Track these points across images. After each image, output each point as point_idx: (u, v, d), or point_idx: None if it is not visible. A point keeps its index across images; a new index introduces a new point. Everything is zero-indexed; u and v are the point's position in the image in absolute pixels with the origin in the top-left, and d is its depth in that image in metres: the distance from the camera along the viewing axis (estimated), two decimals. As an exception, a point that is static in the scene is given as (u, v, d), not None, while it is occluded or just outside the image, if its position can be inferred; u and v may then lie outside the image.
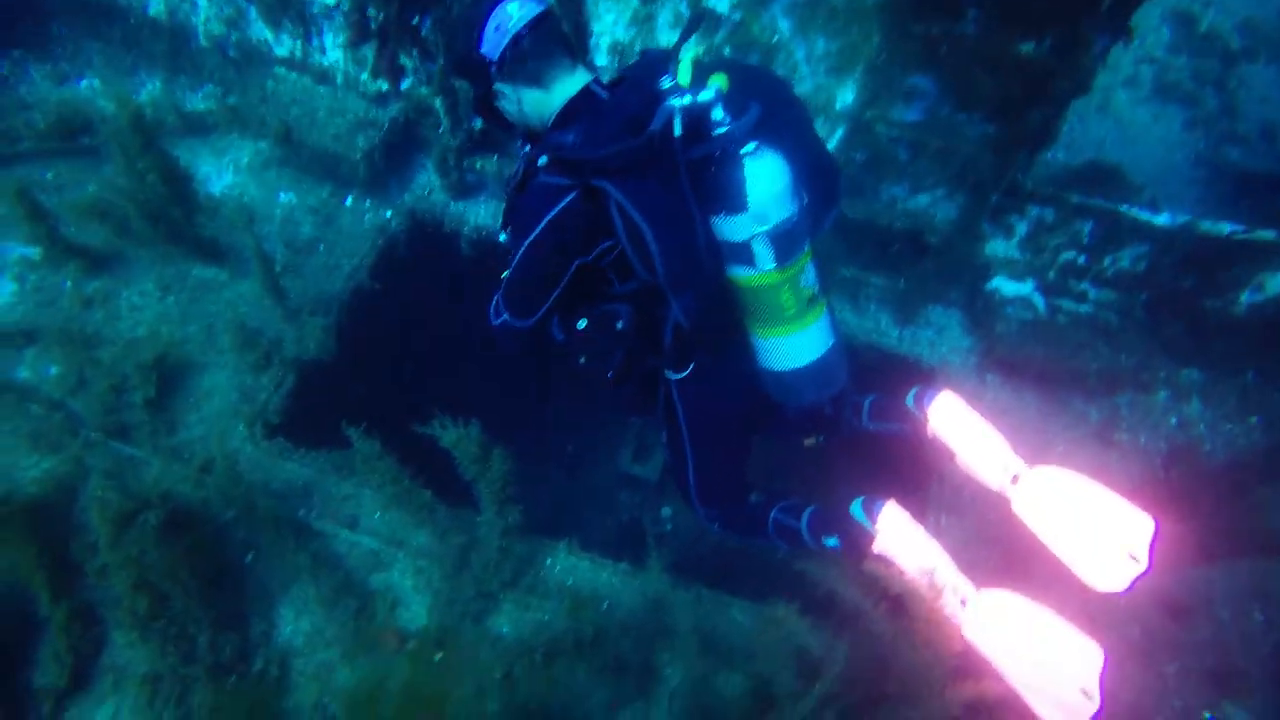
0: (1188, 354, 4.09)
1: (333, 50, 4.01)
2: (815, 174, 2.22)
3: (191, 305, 3.78)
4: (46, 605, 2.76)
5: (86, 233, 3.84)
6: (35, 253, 3.74)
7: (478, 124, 3.89)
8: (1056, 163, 4.72)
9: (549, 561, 3.23)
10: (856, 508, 2.54)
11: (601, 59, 3.49)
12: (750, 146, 2.05)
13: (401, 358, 4.60)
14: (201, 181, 4.10)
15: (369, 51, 3.80)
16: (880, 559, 2.42)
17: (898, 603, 2.33)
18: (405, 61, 3.78)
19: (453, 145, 3.86)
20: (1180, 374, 4.09)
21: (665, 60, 2.16)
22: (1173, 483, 3.77)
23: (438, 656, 2.77)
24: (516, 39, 2.15)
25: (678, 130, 2.01)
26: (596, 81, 2.24)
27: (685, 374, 2.44)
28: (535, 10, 2.19)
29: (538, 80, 2.21)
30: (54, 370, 3.42)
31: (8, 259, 3.77)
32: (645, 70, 2.19)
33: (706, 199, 2.10)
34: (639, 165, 2.02)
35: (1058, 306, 3.97)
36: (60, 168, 4.14)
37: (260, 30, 4.10)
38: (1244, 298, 3.82)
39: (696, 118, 2.05)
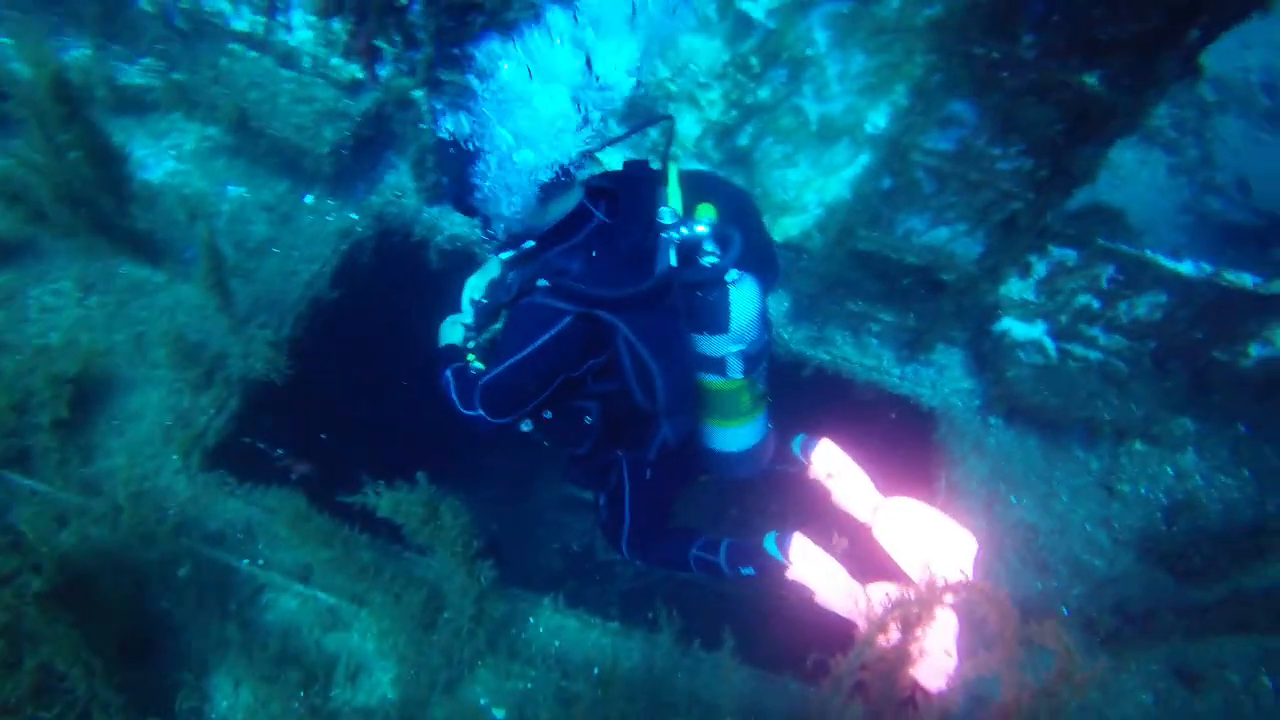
0: (1183, 404, 3.98)
1: (300, 30, 3.56)
2: (762, 265, 2.46)
3: (119, 310, 3.26)
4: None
5: (-8, 217, 3.28)
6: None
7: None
8: (1055, 202, 4.58)
9: (531, 620, 2.84)
10: (770, 542, 2.82)
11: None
12: (733, 275, 2.30)
13: (359, 377, 4.14)
14: (136, 166, 3.58)
15: (341, 29, 3.35)
16: (795, 584, 2.76)
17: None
18: (384, 46, 3.36)
19: (430, 144, 3.45)
20: (1173, 423, 3.98)
21: (653, 181, 2.35)
22: (1176, 537, 3.64)
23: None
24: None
25: (674, 262, 2.22)
26: (589, 195, 2.32)
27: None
28: None
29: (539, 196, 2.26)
30: (-60, 382, 2.87)
31: (-109, 245, 3.19)
32: (635, 192, 2.33)
33: (691, 318, 2.34)
34: (644, 302, 2.21)
35: (1067, 352, 3.80)
36: (-39, 140, 3.55)
37: None
38: (1253, 350, 3.72)
39: (690, 250, 2.28)
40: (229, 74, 3.64)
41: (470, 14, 3.16)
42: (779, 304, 4.00)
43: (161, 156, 3.81)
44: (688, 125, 3.31)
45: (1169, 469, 3.93)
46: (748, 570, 2.83)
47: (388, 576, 2.65)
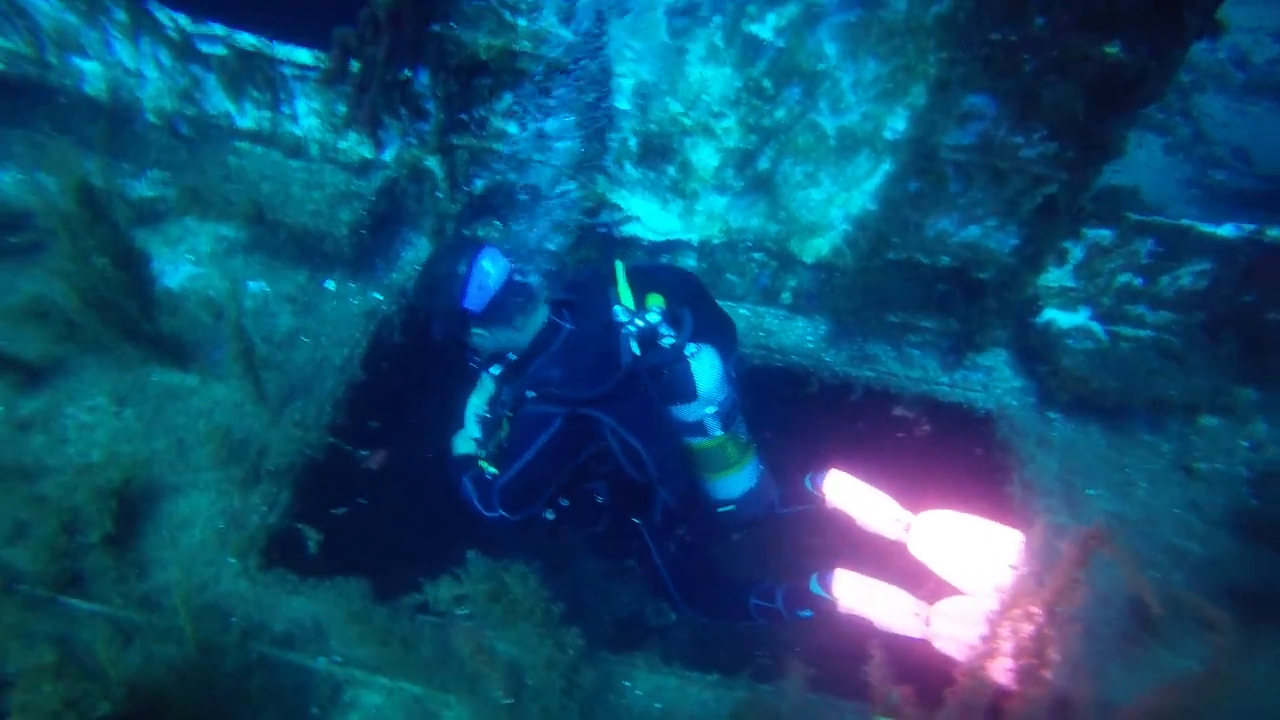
0: (1242, 373, 3.88)
1: (306, 117, 3.56)
2: (718, 331, 2.83)
3: (156, 417, 3.18)
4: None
5: (19, 341, 3.22)
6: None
7: (478, 186, 3.48)
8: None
9: (627, 684, 2.68)
10: (814, 584, 2.99)
11: (624, 102, 3.15)
12: (691, 348, 2.66)
13: (400, 454, 4.04)
14: (156, 275, 3.54)
15: (342, 105, 3.35)
16: (851, 618, 2.88)
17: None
18: (390, 121, 3.36)
19: (452, 211, 3.43)
20: (1237, 393, 3.87)
21: (603, 282, 2.74)
22: (1270, 509, 3.50)
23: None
24: (496, 294, 2.57)
25: (636, 351, 2.60)
26: (554, 311, 2.70)
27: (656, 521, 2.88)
28: (506, 266, 2.61)
29: (510, 323, 2.65)
30: (-14, 513, 2.76)
31: (-79, 383, 3.11)
32: (589, 295, 2.73)
33: (663, 394, 2.67)
34: (618, 393, 2.53)
35: (1117, 334, 3.72)
36: (-17, 271, 3.53)
37: (220, 102, 3.64)
38: (1305, 307, 3.64)
39: (648, 337, 2.64)
40: (239, 171, 3.64)
41: (477, 77, 3.18)
42: (816, 329, 3.94)
43: (179, 262, 3.78)
44: (705, 156, 3.29)
45: (1243, 441, 3.80)
46: (805, 613, 3.03)
47: (454, 670, 2.50)
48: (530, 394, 2.58)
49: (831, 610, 2.93)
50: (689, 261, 3.78)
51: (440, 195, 3.42)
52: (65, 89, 3.74)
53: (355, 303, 3.71)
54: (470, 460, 2.87)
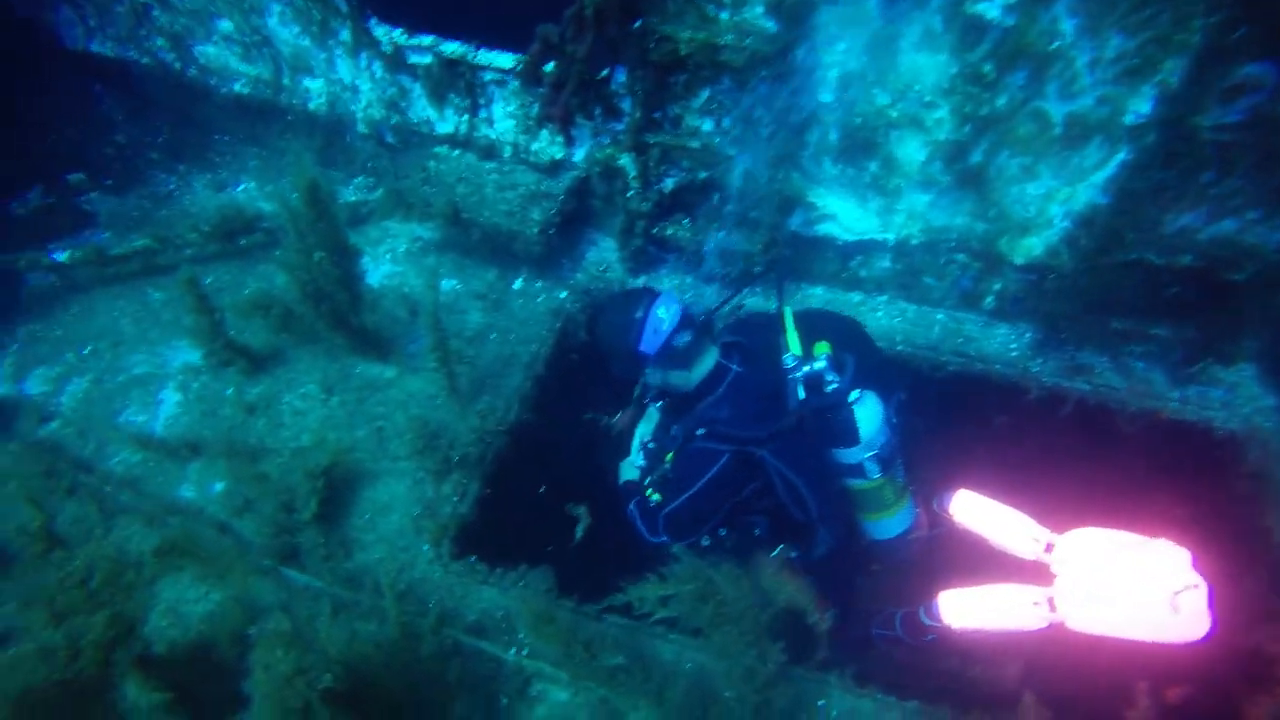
0: None
1: (502, 120, 3.67)
2: (881, 378, 2.87)
3: (358, 407, 3.34)
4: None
5: (247, 332, 3.49)
6: (198, 358, 3.40)
7: (668, 184, 3.44)
8: None
9: (821, 703, 2.51)
10: (922, 615, 2.95)
11: (826, 94, 3.00)
12: (855, 394, 2.74)
13: (578, 452, 4.08)
14: (360, 275, 3.76)
15: (536, 106, 3.40)
16: (969, 633, 2.80)
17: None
18: (582, 120, 3.38)
19: (644, 210, 3.40)
20: None
21: (771, 327, 2.87)
22: None
23: None
24: (669, 338, 2.77)
25: (801, 395, 2.71)
26: (723, 354, 2.89)
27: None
28: (679, 310, 2.81)
29: (685, 365, 2.86)
30: (219, 487, 2.99)
31: (171, 367, 3.44)
32: (757, 338, 2.88)
33: (826, 438, 2.77)
34: (784, 434, 2.66)
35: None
36: (218, 272, 3.87)
37: (423, 109, 3.82)
38: None
39: (814, 382, 2.74)
40: (437, 175, 3.79)
41: (673, 74, 3.14)
42: (1020, 336, 3.61)
43: (379, 261, 3.99)
44: (911, 150, 3.08)
45: None
46: (930, 637, 2.99)
47: (639, 677, 2.41)
48: (700, 430, 2.80)
49: (949, 633, 2.85)
50: (883, 264, 3.57)
51: (631, 194, 3.40)
52: (293, 107, 4.06)
53: (540, 300, 3.76)
54: (635, 487, 3.10)
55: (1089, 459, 3.70)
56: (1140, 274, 3.23)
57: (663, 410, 3.11)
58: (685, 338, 2.78)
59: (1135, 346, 3.50)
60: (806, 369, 2.74)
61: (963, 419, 3.84)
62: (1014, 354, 3.58)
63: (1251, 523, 3.10)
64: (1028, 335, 3.59)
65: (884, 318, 3.67)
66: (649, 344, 2.78)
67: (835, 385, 2.73)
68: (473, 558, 2.85)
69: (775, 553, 2.87)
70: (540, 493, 2.94)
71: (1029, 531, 2.74)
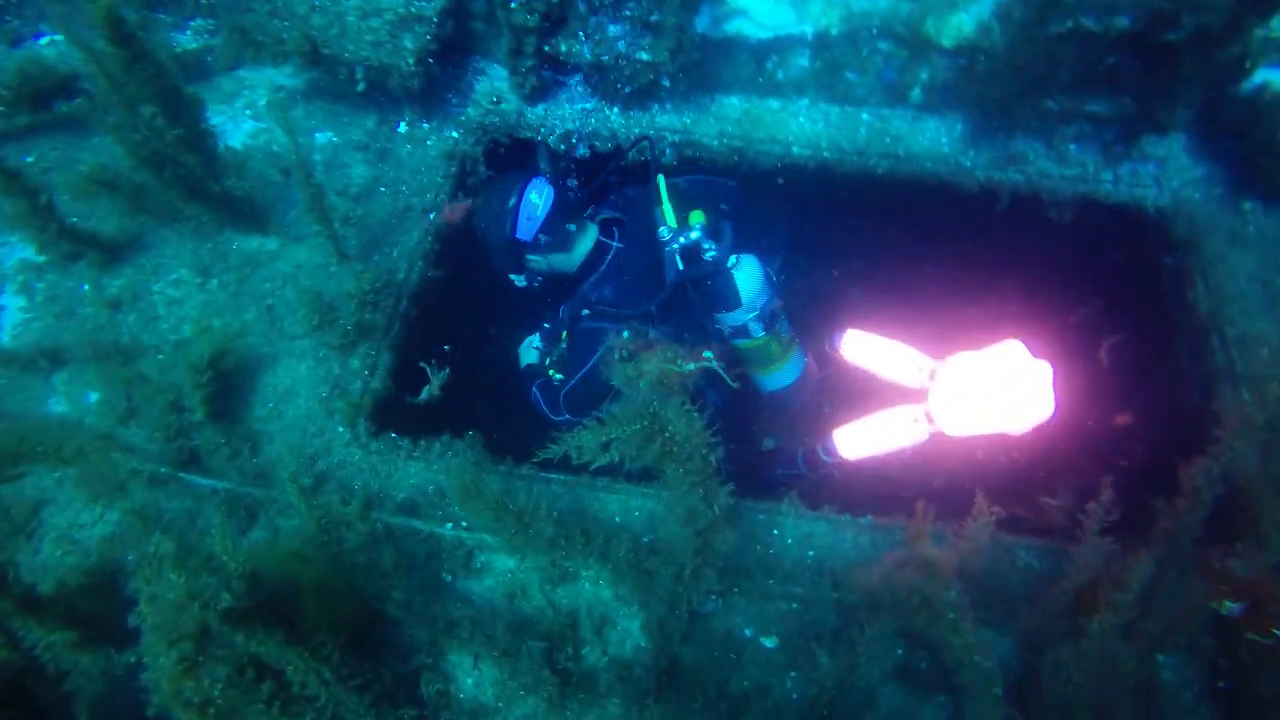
0: None
1: (348, -72, 3.07)
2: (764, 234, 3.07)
3: (241, 287, 2.99)
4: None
5: (94, 217, 3.04)
6: (35, 253, 2.95)
7: (556, -10, 2.98)
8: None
9: (775, 532, 2.47)
10: (820, 452, 2.96)
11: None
12: (732, 260, 2.84)
13: (488, 307, 3.83)
14: (217, 132, 3.26)
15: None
16: (864, 462, 2.80)
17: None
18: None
19: (530, 24, 2.96)
20: None
21: (649, 199, 2.89)
22: None
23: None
24: (544, 222, 2.90)
25: (680, 266, 2.81)
26: (604, 231, 3.03)
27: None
28: (552, 193, 2.92)
29: (565, 248, 2.99)
30: (94, 396, 2.67)
31: (6, 267, 2.98)
32: (635, 212, 3.03)
33: (708, 304, 2.88)
34: (666, 305, 2.83)
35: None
36: (41, 148, 3.31)
37: (251, -77, 3.17)
38: None
39: (691, 251, 2.82)
40: (285, 4, 3.21)
41: None
42: (951, 129, 3.37)
43: (239, 119, 3.47)
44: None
45: None
46: (828, 470, 3.03)
47: (579, 541, 2.26)
48: (585, 312, 2.90)
49: (845, 463, 2.87)
50: (801, 62, 3.23)
51: (515, 5, 2.93)
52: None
53: (431, 144, 3.35)
54: (537, 369, 3.20)
55: (1029, 251, 3.63)
56: (1076, 44, 2.97)
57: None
58: (560, 218, 2.84)
59: (1068, 128, 3.31)
60: (682, 240, 2.79)
61: (897, 224, 3.69)
62: (945, 149, 3.37)
63: (1182, 297, 3.08)
64: (958, 127, 3.36)
65: (806, 123, 3.37)
66: (524, 231, 2.85)
67: (713, 253, 2.80)
68: (393, 434, 2.65)
69: None
70: (445, 351, 2.69)
71: (914, 362, 2.77)
